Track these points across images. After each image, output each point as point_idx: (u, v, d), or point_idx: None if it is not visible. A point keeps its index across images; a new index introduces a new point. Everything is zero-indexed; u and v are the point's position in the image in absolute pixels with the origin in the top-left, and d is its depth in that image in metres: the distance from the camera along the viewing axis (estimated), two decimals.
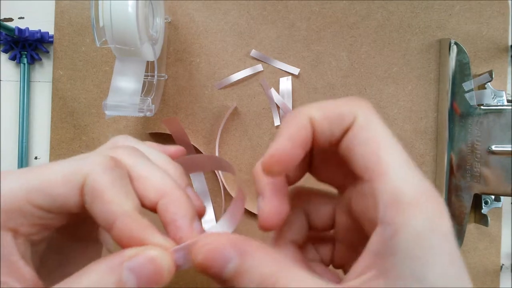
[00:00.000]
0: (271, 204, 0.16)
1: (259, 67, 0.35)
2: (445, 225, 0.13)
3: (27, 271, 0.14)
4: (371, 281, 0.13)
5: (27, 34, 0.35)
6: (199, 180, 0.33)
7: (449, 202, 0.33)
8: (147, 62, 0.30)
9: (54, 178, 0.15)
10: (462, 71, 0.33)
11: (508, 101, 0.33)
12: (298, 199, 0.19)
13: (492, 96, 0.33)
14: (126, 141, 0.20)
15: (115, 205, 0.15)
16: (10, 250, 0.14)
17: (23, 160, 0.36)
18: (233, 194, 0.34)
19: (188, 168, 0.22)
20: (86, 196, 0.15)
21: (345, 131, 0.15)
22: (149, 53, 0.29)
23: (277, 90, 0.35)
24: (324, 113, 0.15)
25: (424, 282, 0.12)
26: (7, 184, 0.14)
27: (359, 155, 0.15)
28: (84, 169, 0.15)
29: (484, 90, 0.33)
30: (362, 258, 0.14)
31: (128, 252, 0.14)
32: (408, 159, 0.14)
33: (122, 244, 0.15)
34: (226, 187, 0.34)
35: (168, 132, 0.34)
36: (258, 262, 0.13)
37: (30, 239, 0.15)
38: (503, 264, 0.35)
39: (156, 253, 0.14)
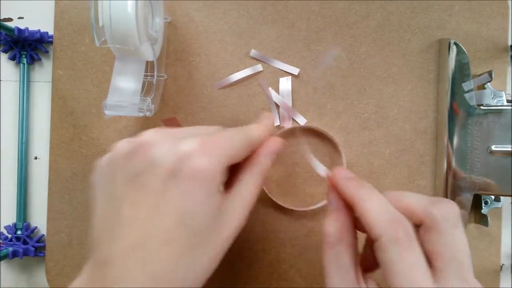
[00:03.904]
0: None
1: (259, 67, 0.35)
2: None
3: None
4: None
5: (26, 34, 0.35)
6: None
7: None
8: (147, 62, 0.30)
9: (254, 144, 0.25)
10: (462, 71, 0.33)
11: (507, 101, 0.33)
12: None
13: (492, 96, 0.33)
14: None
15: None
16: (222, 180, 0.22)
17: (23, 160, 0.36)
18: None
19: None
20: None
21: (425, 228, 0.21)
22: (149, 53, 0.29)
23: (277, 90, 0.35)
24: (422, 209, 0.21)
25: None
26: (230, 150, 0.22)
27: (440, 254, 0.20)
28: (265, 135, 0.26)
29: (484, 90, 0.33)
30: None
31: (267, 146, 0.26)
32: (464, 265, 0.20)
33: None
34: None
35: None
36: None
37: None
38: (503, 264, 0.35)
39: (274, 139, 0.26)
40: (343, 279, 0.21)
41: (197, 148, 0.21)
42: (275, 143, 0.26)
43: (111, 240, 0.20)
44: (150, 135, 0.22)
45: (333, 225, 0.22)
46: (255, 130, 0.25)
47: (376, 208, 0.20)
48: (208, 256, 0.21)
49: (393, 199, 0.21)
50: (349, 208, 0.22)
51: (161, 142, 0.21)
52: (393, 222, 0.19)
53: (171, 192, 0.20)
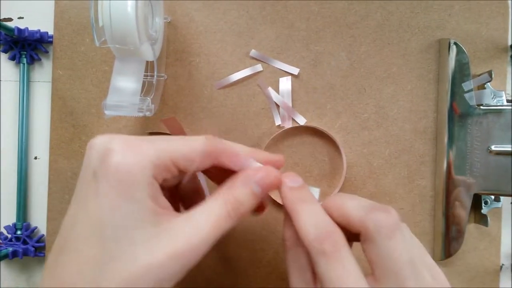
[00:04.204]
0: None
1: (259, 67, 0.35)
2: None
3: (166, 202, 0.21)
4: None
5: (26, 34, 0.35)
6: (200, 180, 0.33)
7: (449, 202, 0.33)
8: (147, 62, 0.30)
9: (195, 148, 0.21)
10: (462, 71, 0.33)
11: (507, 101, 0.33)
12: None
13: (492, 96, 0.33)
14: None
15: (246, 147, 0.23)
16: (156, 191, 0.20)
17: (23, 160, 0.36)
18: None
19: None
20: (224, 155, 0.22)
21: (362, 237, 0.20)
22: (149, 53, 0.29)
23: (277, 90, 0.35)
24: (358, 220, 0.21)
25: None
26: (158, 147, 0.20)
27: (376, 264, 0.20)
28: (213, 144, 0.22)
29: (484, 90, 0.33)
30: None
31: (251, 171, 0.22)
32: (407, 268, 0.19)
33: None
34: None
35: (168, 132, 0.34)
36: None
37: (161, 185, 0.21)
38: (503, 264, 0.35)
39: (270, 169, 0.22)
40: (300, 279, 0.21)
41: (118, 146, 0.19)
42: (267, 174, 0.22)
43: (54, 245, 0.20)
44: (96, 138, 0.20)
45: (289, 229, 0.22)
46: (217, 140, 0.22)
47: (307, 221, 0.20)
48: (120, 275, 0.18)
49: (334, 207, 0.22)
50: None
51: (96, 144, 0.20)
52: (321, 236, 0.20)
53: (89, 194, 0.19)
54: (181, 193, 0.26)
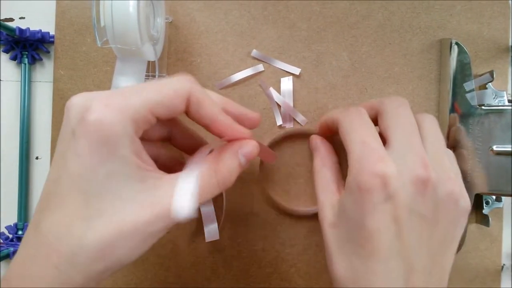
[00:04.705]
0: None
1: (260, 67, 0.35)
2: None
3: (149, 160, 0.21)
4: None
5: (28, 34, 0.35)
6: None
7: None
8: (148, 62, 0.30)
9: (169, 93, 0.20)
10: (463, 71, 0.33)
11: (509, 101, 0.33)
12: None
13: (493, 96, 0.33)
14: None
15: (216, 108, 0.22)
16: (139, 147, 0.20)
17: (24, 160, 0.36)
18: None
19: None
20: (193, 104, 0.21)
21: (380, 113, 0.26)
22: (150, 53, 0.30)
23: (278, 90, 0.35)
24: (378, 101, 0.27)
25: None
26: (135, 100, 0.19)
27: (388, 127, 0.25)
28: (187, 86, 0.21)
29: (485, 90, 0.33)
30: None
31: (239, 144, 0.23)
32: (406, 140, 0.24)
33: (223, 131, 0.22)
34: None
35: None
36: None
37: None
38: (504, 264, 0.35)
39: (253, 142, 0.24)
40: (326, 191, 0.27)
41: (96, 104, 0.19)
42: (253, 148, 0.24)
43: (36, 207, 0.21)
44: (73, 98, 0.20)
45: (317, 156, 0.29)
46: (190, 81, 0.22)
47: (337, 111, 0.28)
48: (107, 230, 0.18)
49: (365, 104, 0.28)
50: (328, 144, 0.30)
51: (73, 104, 0.20)
52: (346, 108, 0.26)
53: (69, 154, 0.19)
54: (179, 147, 0.27)
